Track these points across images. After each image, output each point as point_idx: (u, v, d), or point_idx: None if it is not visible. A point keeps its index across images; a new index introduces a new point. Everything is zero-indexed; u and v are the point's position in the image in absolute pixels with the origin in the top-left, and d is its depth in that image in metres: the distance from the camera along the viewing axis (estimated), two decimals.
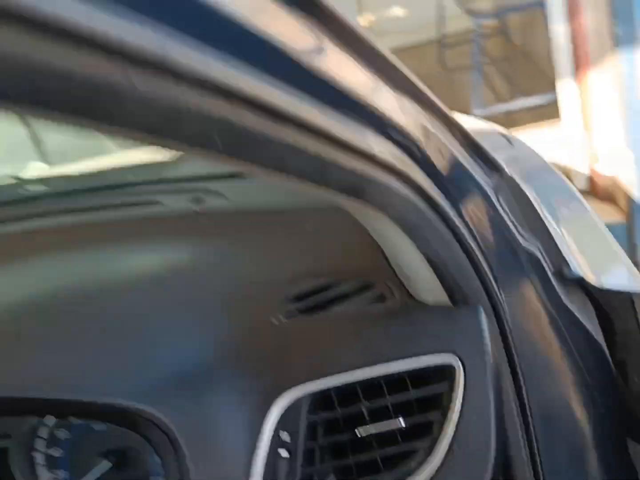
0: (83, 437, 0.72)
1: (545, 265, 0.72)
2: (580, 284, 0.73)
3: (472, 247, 0.65)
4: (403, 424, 0.65)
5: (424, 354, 0.66)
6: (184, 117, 0.29)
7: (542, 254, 0.72)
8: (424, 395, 0.66)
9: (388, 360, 0.66)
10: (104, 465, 0.70)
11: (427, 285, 0.69)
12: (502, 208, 0.71)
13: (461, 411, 0.64)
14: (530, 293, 0.71)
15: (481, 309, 0.67)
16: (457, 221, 0.63)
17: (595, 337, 0.72)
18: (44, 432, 0.72)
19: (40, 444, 0.72)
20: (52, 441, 0.72)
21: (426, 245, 0.63)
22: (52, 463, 0.72)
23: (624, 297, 0.71)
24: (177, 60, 0.27)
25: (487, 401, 0.64)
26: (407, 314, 0.72)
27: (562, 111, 2.84)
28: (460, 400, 0.64)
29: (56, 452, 0.72)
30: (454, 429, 0.64)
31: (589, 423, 0.69)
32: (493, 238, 0.69)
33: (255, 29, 0.32)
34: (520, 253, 0.71)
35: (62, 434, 0.72)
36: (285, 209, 0.88)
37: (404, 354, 0.66)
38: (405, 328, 0.70)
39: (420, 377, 0.66)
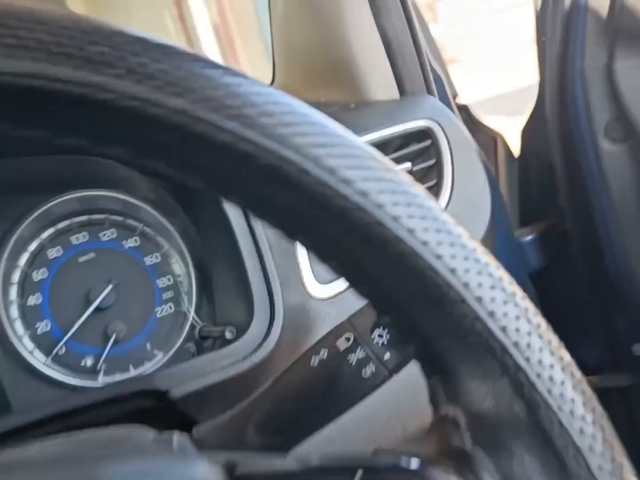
0: None
1: None
2: None
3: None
4: (411, 167, 0.87)
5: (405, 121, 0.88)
6: None
7: None
8: (416, 149, 0.88)
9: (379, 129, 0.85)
10: None
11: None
12: None
13: (452, 162, 0.88)
14: None
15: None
16: None
17: None
18: None
19: None
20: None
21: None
22: None
23: None
24: None
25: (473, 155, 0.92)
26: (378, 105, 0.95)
27: None
28: (449, 153, 0.89)
29: None
30: (450, 178, 0.88)
31: None
32: None
33: None
34: None
35: None
36: None
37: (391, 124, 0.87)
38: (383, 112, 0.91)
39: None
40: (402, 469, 0.29)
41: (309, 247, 0.30)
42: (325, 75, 0.97)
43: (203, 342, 0.79)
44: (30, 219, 0.74)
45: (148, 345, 0.78)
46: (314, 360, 0.44)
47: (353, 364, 0.43)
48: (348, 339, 0.44)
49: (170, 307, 0.80)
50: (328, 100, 0.96)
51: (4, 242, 0.72)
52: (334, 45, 0.95)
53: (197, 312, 0.80)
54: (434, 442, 0.31)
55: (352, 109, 0.92)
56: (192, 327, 0.79)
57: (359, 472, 0.28)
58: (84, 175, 0.76)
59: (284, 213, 0.29)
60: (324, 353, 0.44)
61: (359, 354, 0.43)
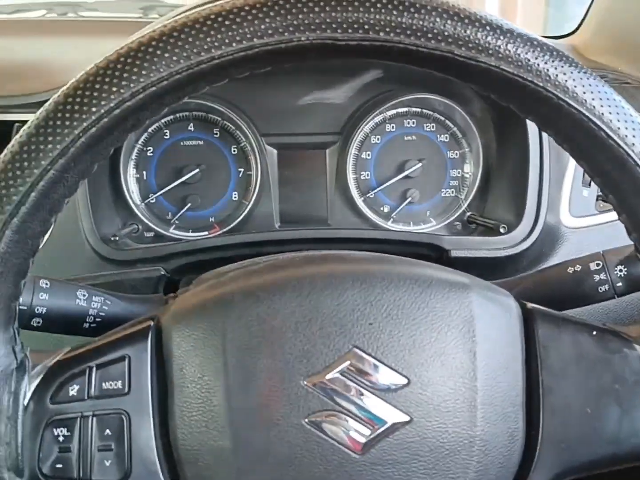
0: None
1: None
2: None
3: None
4: None
5: None
6: None
7: None
8: None
9: None
10: None
11: None
12: None
13: None
14: None
15: None
16: None
17: None
18: None
19: None
20: None
21: None
22: None
23: None
24: None
25: None
26: None
27: None
28: None
29: None
30: None
31: None
32: None
33: None
34: None
35: None
36: None
37: None
38: None
39: None
40: (621, 334, 0.53)
41: None
42: (636, 52, 1.13)
43: (468, 226, 1.06)
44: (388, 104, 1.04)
45: (428, 213, 1.07)
46: (570, 269, 0.69)
47: (595, 280, 0.67)
48: (598, 264, 0.67)
49: (452, 191, 1.07)
50: (623, 71, 1.13)
51: None
52: None
53: (469, 203, 1.06)
54: None
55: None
56: (464, 212, 1.06)
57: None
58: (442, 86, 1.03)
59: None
60: (578, 267, 0.69)
61: (602, 276, 0.66)
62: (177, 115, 1.03)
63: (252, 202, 1.04)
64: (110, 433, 0.49)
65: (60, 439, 0.49)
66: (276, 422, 0.48)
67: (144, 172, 1.03)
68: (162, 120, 1.02)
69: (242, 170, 1.05)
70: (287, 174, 1.05)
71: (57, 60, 1.03)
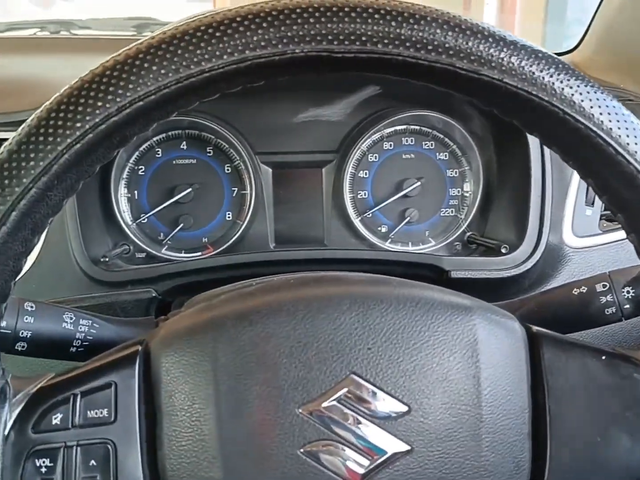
0: None
1: None
2: None
3: None
4: None
5: None
6: None
7: None
8: None
9: None
10: None
11: None
12: None
13: None
14: None
15: None
16: None
17: None
18: None
19: None
20: None
21: None
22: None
23: None
24: None
25: None
26: None
27: None
28: None
29: None
30: None
31: None
32: None
33: None
34: None
35: None
36: None
37: None
38: None
39: None
40: (632, 359, 0.51)
41: None
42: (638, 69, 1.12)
43: (468, 246, 1.04)
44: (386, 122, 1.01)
45: (427, 233, 1.05)
46: (576, 291, 0.67)
47: (602, 302, 0.65)
48: (604, 286, 0.65)
49: (452, 211, 1.05)
50: (626, 88, 1.12)
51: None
52: None
53: (469, 223, 1.04)
54: None
55: None
56: (464, 232, 1.04)
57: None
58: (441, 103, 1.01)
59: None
60: (583, 288, 0.67)
61: (608, 297, 0.64)
62: (170, 133, 1.01)
63: (246, 222, 1.02)
64: (95, 464, 0.47)
65: (43, 470, 0.46)
66: (270, 452, 0.46)
67: (136, 192, 1.01)
68: (154, 139, 1.01)
69: (236, 189, 1.03)
70: (283, 193, 1.03)
71: (48, 78, 1.01)
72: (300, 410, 0.46)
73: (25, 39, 1.46)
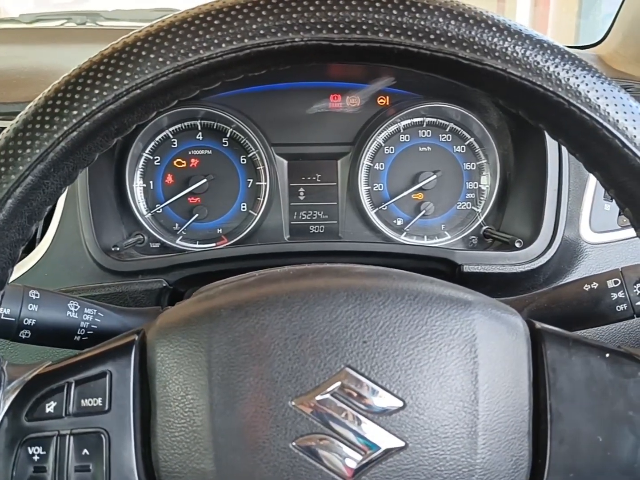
0: None
1: None
2: None
3: None
4: None
5: None
6: None
7: None
8: None
9: None
10: None
11: None
12: None
13: None
14: None
15: None
16: None
17: None
18: None
19: None
20: None
21: None
22: None
23: None
24: None
25: None
26: None
27: None
28: None
29: None
30: None
31: None
32: None
33: None
34: None
35: None
36: None
37: None
38: None
39: None
40: (636, 358, 0.49)
41: None
42: None
43: (485, 240, 1.02)
44: (402, 114, 1.00)
45: (443, 226, 1.04)
46: (587, 287, 0.65)
47: (613, 299, 0.63)
48: (616, 282, 0.64)
49: (468, 204, 1.04)
50: None
51: None
52: None
53: (486, 217, 1.03)
54: None
55: None
56: (480, 226, 1.03)
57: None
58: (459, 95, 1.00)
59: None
60: (595, 284, 0.65)
61: (620, 294, 0.63)
62: (186, 124, 1.01)
63: (261, 214, 1.02)
64: (88, 453, 0.47)
65: (35, 458, 0.46)
66: (262, 445, 0.45)
67: (151, 182, 1.02)
68: (170, 129, 1.00)
69: (251, 180, 1.02)
70: (298, 185, 1.03)
71: (70, 68, 1.01)
72: (293, 403, 0.45)
73: (53, 30, 1.47)
